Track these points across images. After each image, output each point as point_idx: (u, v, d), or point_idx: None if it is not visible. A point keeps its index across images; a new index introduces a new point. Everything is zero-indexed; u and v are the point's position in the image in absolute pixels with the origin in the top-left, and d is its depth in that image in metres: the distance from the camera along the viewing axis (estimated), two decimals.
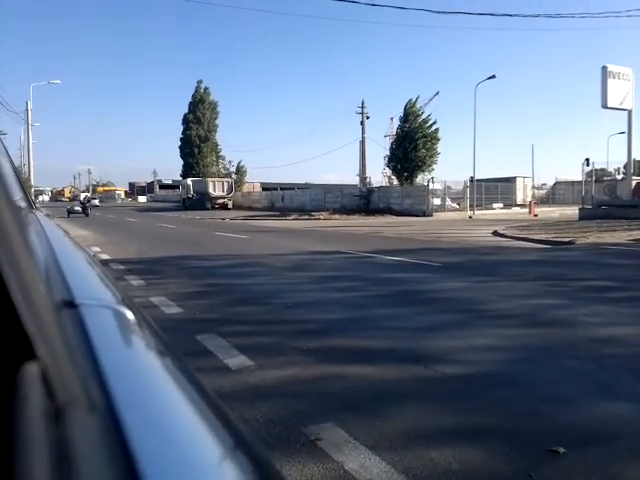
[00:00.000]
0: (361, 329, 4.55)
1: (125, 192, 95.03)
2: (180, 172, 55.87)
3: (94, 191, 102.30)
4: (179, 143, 55.28)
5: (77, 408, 0.36)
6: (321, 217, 28.22)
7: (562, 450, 2.27)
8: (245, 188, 53.68)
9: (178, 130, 55.29)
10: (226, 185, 45.11)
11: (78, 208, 30.78)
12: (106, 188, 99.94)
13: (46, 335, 0.37)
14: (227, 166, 54.20)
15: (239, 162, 54.22)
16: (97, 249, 11.14)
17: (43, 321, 0.37)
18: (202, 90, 54.33)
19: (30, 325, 0.35)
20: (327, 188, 43.43)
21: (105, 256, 9.99)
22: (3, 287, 0.34)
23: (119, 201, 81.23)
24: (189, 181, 46.61)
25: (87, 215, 29.28)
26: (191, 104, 54.19)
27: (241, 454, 0.44)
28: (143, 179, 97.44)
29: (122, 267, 8.56)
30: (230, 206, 43.07)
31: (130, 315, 0.67)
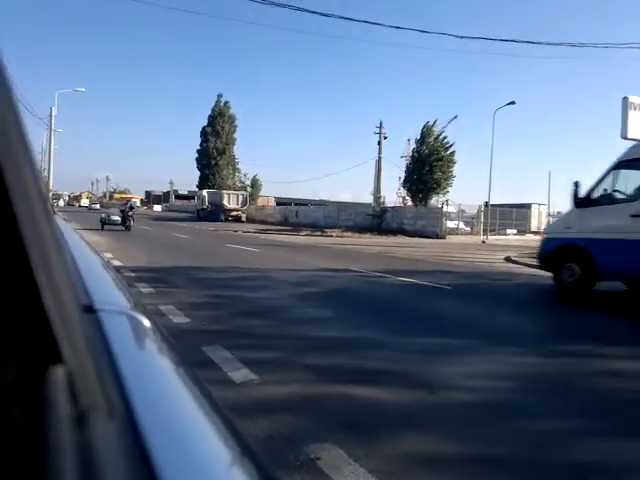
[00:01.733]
0: (367, 349, 4.51)
1: (141, 200, 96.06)
2: (196, 183, 56.50)
3: (111, 198, 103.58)
4: (196, 155, 55.96)
5: (99, 413, 0.37)
6: (334, 234, 28.23)
7: None
8: (260, 202, 54.00)
9: (196, 142, 56.07)
10: (241, 198, 45.42)
11: (116, 218, 22.46)
12: (123, 195, 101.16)
13: (72, 340, 0.38)
14: (243, 179, 54.66)
15: (254, 176, 54.68)
16: (109, 255, 11.23)
17: (70, 326, 0.38)
18: (222, 104, 55.15)
19: (59, 329, 0.35)
20: (341, 206, 43.56)
21: (116, 262, 10.06)
22: (35, 290, 0.34)
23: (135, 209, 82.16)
24: (204, 192, 47.01)
25: (128, 228, 21.58)
26: (210, 117, 54.99)
27: (247, 461, 0.45)
28: (160, 188, 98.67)
29: (132, 274, 8.60)
30: (244, 219, 43.28)
31: (145, 322, 0.68)
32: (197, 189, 54.12)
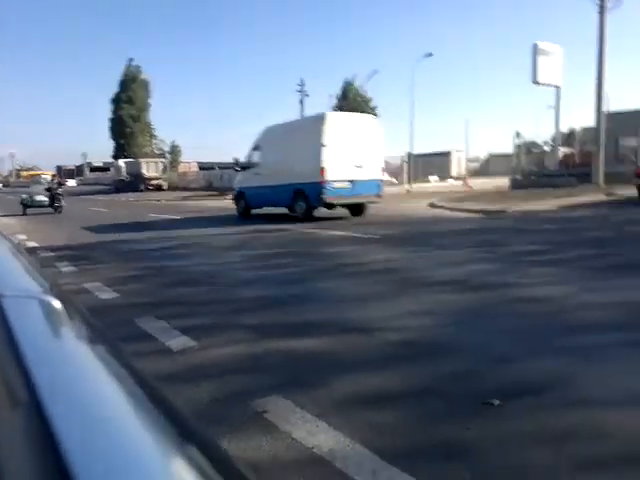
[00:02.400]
0: (302, 303, 4.56)
1: (52, 176, 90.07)
2: (111, 154, 53.57)
3: (18, 176, 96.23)
4: (109, 124, 52.87)
5: (1, 404, 0.35)
6: None
7: (497, 402, 2.39)
8: (181, 168, 52.17)
9: (108, 110, 52.84)
10: (160, 165, 43.63)
11: (42, 198, 18.68)
12: (31, 173, 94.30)
13: None
14: (161, 146, 52.45)
15: (173, 142, 52.61)
16: (23, 237, 10.52)
17: None
18: (133, 68, 51.98)
19: None
20: None
21: (32, 244, 9.46)
22: None
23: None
24: (121, 162, 44.76)
25: (59, 210, 18.11)
26: (121, 83, 51.81)
27: (180, 439, 0.40)
28: (72, 162, 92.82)
29: (51, 254, 8.13)
30: (165, 187, 41.70)
31: (58, 305, 0.65)
32: (113, 160, 51.36)
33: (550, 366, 2.87)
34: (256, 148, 14.47)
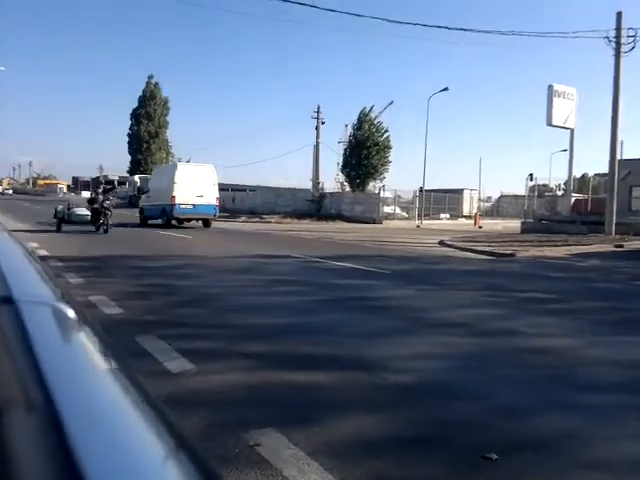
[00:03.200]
0: (306, 335, 4.53)
1: (68, 186, 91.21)
2: (127, 168, 54.29)
3: (34, 184, 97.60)
4: (127, 139, 53.74)
5: (15, 408, 0.36)
6: (272, 220, 28.08)
7: (495, 457, 2.34)
8: None
9: (127, 125, 53.78)
10: None
11: (84, 212, 15.12)
12: (47, 181, 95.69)
13: None
14: (177, 163, 53.10)
15: (188, 160, 53.25)
16: (34, 244, 10.62)
17: None
18: (153, 85, 53.07)
19: None
20: (279, 191, 43.24)
21: (43, 252, 9.54)
22: None
23: (60, 195, 78.23)
24: (136, 178, 45.23)
25: (104, 229, 14.41)
26: (141, 99, 52.77)
27: (182, 456, 0.43)
28: (89, 174, 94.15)
29: (60, 264, 8.19)
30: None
31: (71, 313, 0.66)
32: (128, 175, 52.01)
33: (551, 423, 2.81)
34: (150, 180, 23.59)
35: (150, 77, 53.52)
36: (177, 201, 18.93)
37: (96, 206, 14.38)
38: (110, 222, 14.49)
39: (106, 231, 14.35)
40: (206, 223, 20.03)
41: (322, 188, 40.64)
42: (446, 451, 2.43)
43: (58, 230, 14.68)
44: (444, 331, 4.87)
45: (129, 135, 53.50)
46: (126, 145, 54.00)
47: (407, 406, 2.97)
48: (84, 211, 15.10)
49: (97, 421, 0.40)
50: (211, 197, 19.62)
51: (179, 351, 3.77)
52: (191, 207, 19.16)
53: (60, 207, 15.22)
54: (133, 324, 4.57)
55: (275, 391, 3.12)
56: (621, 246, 16.36)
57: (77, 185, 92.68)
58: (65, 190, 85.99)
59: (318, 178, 41.20)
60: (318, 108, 40.71)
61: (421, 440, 2.54)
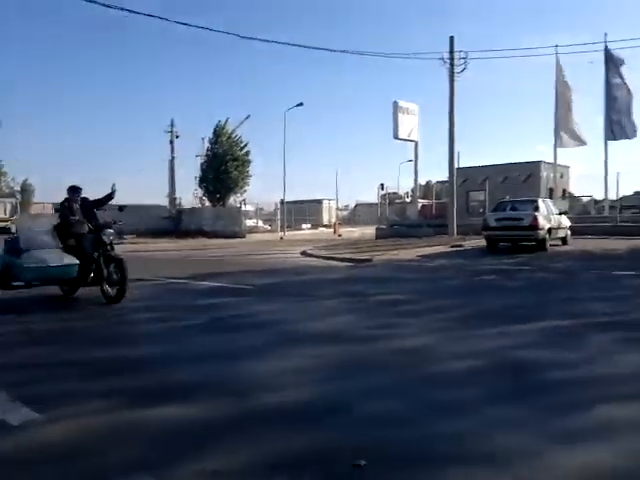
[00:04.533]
0: (170, 364, 4.25)
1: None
2: None
3: None
4: None
5: None
6: (124, 241, 26.37)
7: (363, 463, 2.38)
8: (34, 209, 47.57)
9: None
10: (9, 206, 39.38)
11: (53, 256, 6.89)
12: None
13: None
14: (11, 184, 47.68)
15: (25, 180, 48.09)
16: None
17: None
18: None
19: None
20: (131, 209, 40.83)
21: None
22: None
23: None
24: None
25: (121, 294, 7.01)
26: None
27: None
28: None
29: None
30: (14, 230, 37.59)
31: None
32: None
33: (422, 424, 2.95)
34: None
35: None
36: None
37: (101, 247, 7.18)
38: (126, 272, 7.08)
39: (119, 299, 7.04)
40: None
41: (180, 204, 39.36)
42: (319, 464, 2.42)
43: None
44: (313, 343, 4.89)
45: None
46: None
47: (281, 427, 2.90)
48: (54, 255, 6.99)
49: None
50: None
51: (21, 399, 3.29)
52: None
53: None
54: None
55: (142, 431, 2.85)
56: (461, 245, 18.18)
57: None
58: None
59: (174, 194, 39.79)
60: (172, 122, 39.50)
61: (295, 459, 2.49)
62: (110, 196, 7.93)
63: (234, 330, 5.54)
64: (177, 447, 2.63)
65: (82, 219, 7.42)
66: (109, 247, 7.28)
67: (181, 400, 3.32)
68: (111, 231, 7.35)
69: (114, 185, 7.93)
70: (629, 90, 26.05)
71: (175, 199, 39.52)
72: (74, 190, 7.67)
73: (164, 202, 39.58)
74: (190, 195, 41.41)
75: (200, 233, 30.93)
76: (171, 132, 39.32)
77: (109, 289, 7.20)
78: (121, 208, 8.60)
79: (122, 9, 14.94)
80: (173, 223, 33.52)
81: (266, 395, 3.40)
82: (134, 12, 15.86)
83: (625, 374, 3.75)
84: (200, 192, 38.91)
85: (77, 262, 6.94)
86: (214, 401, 3.33)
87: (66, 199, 7.60)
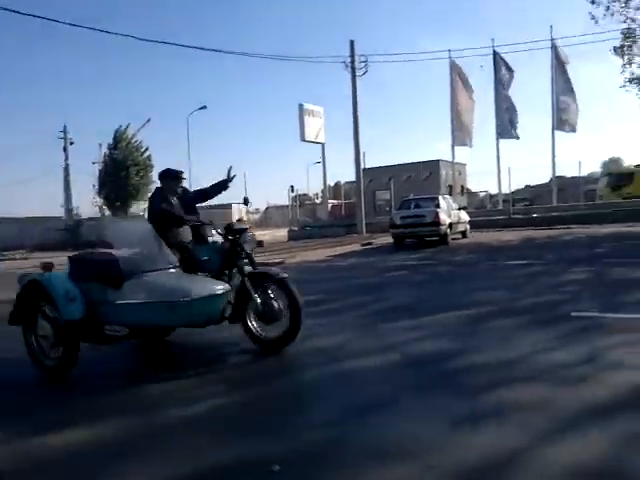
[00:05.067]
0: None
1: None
2: None
3: None
4: None
5: None
6: (17, 256, 24.26)
7: (277, 467, 2.36)
8: None
9: None
10: None
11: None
12: None
13: None
14: None
15: None
16: None
17: None
18: None
19: None
20: (23, 222, 37.59)
21: None
22: None
23: None
24: None
25: (291, 335, 4.52)
26: None
27: None
28: None
29: None
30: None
31: None
32: None
33: (327, 424, 2.96)
34: None
35: None
36: None
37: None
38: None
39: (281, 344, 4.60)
40: None
41: (77, 214, 37.00)
42: (236, 469, 2.37)
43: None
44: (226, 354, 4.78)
45: None
46: None
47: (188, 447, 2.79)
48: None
49: None
50: None
51: None
52: None
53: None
54: None
55: None
56: (370, 243, 18.72)
57: None
58: None
59: (71, 203, 37.30)
60: (65, 128, 36.93)
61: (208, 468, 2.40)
62: (224, 185, 5.47)
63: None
64: None
65: (197, 218, 5.09)
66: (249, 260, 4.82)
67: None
68: (252, 234, 5.10)
69: (230, 168, 5.40)
70: (506, 96, 28.28)
71: (71, 209, 37.08)
72: (173, 176, 5.18)
73: (59, 213, 37.04)
74: (88, 204, 39.07)
75: (102, 244, 29.19)
76: (64, 138, 36.84)
77: (261, 327, 4.63)
78: (246, 201, 5.85)
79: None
80: (71, 235, 31.37)
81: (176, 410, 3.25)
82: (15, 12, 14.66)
83: (522, 356, 4.03)
84: (99, 200, 36.91)
85: (226, 289, 4.33)
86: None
87: (159, 189, 5.24)
